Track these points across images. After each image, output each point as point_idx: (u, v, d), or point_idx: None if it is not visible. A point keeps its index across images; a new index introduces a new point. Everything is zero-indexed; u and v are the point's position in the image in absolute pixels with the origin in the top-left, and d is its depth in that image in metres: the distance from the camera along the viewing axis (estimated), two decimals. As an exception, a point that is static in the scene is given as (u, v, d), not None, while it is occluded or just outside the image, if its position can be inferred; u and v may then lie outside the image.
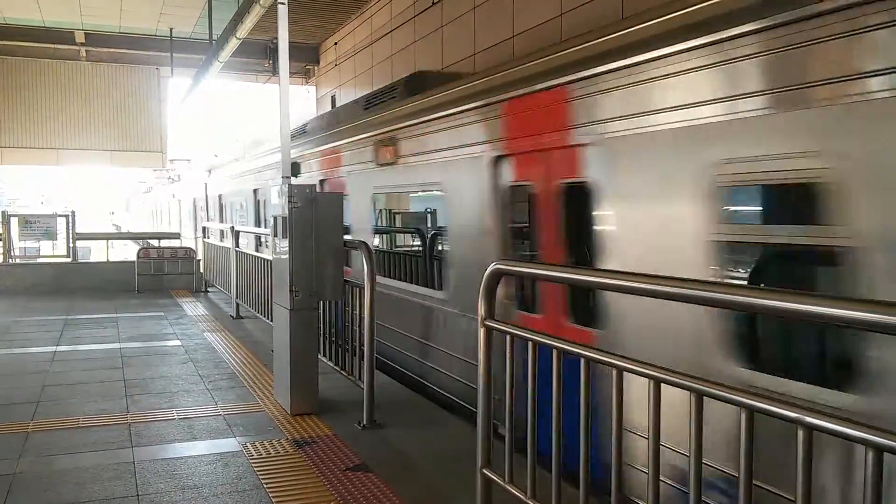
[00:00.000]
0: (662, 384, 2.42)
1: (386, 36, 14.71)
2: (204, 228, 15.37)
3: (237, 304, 10.69)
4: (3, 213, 16.41)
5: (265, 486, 4.21)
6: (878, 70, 2.73)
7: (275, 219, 5.87)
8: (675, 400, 2.46)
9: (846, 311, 1.80)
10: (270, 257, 7.53)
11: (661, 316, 3.78)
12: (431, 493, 4.15)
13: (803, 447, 1.93)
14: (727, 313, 3.40)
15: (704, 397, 2.27)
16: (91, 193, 68.06)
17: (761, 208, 3.73)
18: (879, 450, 1.74)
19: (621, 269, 3.97)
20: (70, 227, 16.22)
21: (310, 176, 10.02)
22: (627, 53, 4.08)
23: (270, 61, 18.37)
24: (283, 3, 5.94)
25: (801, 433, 1.93)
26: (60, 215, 16.75)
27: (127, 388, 6.49)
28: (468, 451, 3.71)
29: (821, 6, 2.91)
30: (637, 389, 2.76)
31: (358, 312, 5.84)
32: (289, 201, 5.48)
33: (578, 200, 4.67)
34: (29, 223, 16.14)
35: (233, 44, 12.45)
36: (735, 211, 3.56)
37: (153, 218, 38.63)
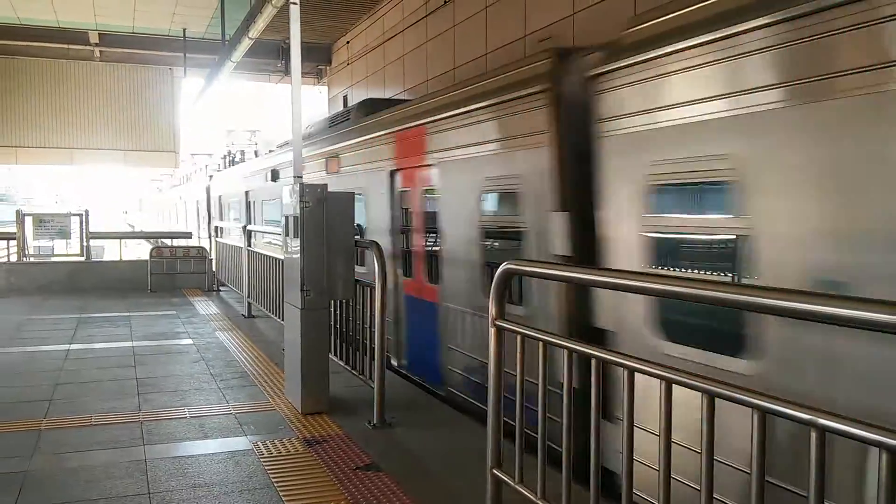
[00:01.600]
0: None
1: (398, 36, 14.73)
2: (216, 228, 15.38)
3: (249, 304, 10.73)
4: (18, 212, 16.53)
5: (275, 484, 4.21)
6: None
7: (286, 218, 5.88)
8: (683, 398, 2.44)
9: (854, 312, 1.78)
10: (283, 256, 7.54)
11: None
12: (442, 493, 4.14)
13: (816, 449, 1.91)
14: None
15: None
16: (105, 193, 68.48)
17: None
18: (894, 452, 1.72)
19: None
20: (84, 227, 16.31)
21: (378, 166, 8.44)
22: None
23: (283, 61, 18.43)
24: (294, 3, 5.95)
25: (813, 435, 1.91)
26: (74, 214, 16.84)
27: (139, 386, 6.52)
28: (479, 451, 3.71)
29: None
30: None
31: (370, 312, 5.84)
32: (300, 201, 5.49)
33: None
34: (43, 222, 16.24)
35: (245, 44, 12.50)
36: None
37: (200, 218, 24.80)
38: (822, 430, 1.89)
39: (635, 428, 2.65)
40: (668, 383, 2.42)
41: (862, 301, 1.84)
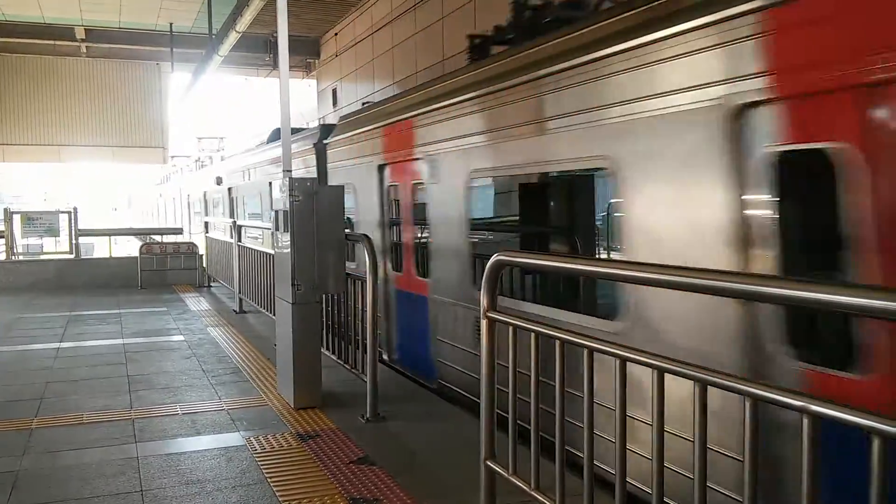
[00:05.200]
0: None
1: (386, 27, 14.67)
2: (206, 223, 15.26)
3: (240, 299, 10.69)
4: (6, 210, 16.41)
5: (269, 480, 4.20)
6: None
7: (276, 213, 5.85)
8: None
9: (853, 299, 1.78)
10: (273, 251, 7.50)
11: None
12: (435, 485, 4.14)
13: (809, 435, 1.91)
14: None
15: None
16: (94, 190, 68.03)
17: None
18: (885, 438, 1.72)
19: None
20: (72, 224, 16.22)
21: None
22: None
23: (271, 55, 18.34)
24: (281, -4, 5.91)
25: (806, 421, 1.91)
26: (63, 212, 16.74)
27: (130, 383, 6.49)
28: (472, 443, 3.70)
29: None
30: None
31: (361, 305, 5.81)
32: (290, 195, 5.47)
33: None
34: (31, 220, 16.14)
35: (232, 37, 12.43)
36: None
37: None
38: (815, 417, 1.89)
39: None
40: (661, 372, 2.42)
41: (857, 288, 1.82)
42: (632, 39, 4.03)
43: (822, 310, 1.93)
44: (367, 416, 5.35)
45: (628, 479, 2.69)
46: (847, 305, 1.81)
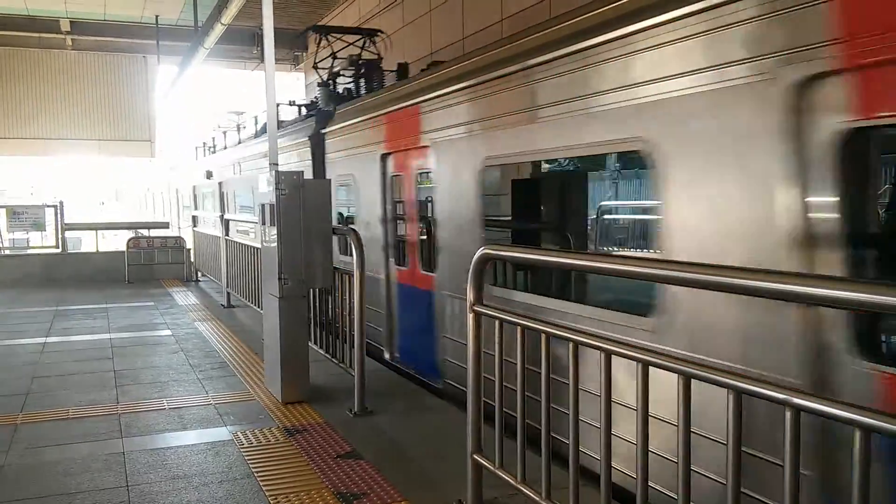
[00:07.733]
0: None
1: (374, 19, 14.60)
2: (194, 217, 15.18)
3: (228, 294, 10.65)
4: (-9, 204, 16.25)
5: (256, 474, 4.19)
6: None
7: (262, 206, 5.82)
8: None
9: (848, 294, 1.77)
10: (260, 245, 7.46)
11: None
12: (423, 479, 4.14)
13: (791, 428, 1.92)
14: None
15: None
16: (82, 184, 67.40)
17: None
18: (868, 430, 1.73)
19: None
20: (59, 218, 16.08)
21: None
22: None
23: (258, 48, 18.23)
24: (267, -12, 5.86)
25: (788, 414, 1.92)
26: (49, 206, 16.59)
27: (117, 378, 6.45)
28: (459, 437, 3.70)
29: None
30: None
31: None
32: (276, 188, 5.44)
33: None
34: (17, 214, 15.99)
35: (218, 30, 12.34)
36: None
37: None
38: (797, 410, 1.90)
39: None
40: (645, 366, 2.43)
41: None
42: None
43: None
44: (355, 410, 5.35)
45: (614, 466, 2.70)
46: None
